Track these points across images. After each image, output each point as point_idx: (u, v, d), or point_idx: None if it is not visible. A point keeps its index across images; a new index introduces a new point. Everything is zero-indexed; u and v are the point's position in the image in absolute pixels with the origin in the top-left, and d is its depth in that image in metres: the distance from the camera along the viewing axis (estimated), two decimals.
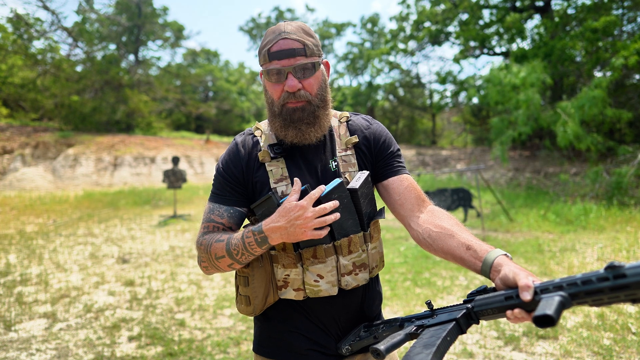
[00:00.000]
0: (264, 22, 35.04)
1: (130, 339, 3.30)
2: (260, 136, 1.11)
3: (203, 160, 20.32)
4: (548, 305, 0.65)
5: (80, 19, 24.46)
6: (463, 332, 0.81)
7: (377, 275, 1.20)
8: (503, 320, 3.49)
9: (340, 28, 34.46)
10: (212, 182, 1.13)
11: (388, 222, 8.88)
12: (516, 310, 0.72)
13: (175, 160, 10.79)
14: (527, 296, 0.69)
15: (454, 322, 0.79)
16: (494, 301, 0.76)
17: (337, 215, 0.94)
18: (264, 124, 1.15)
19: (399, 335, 0.87)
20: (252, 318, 3.44)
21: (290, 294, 1.05)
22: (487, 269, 0.83)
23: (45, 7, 20.11)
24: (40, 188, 15.08)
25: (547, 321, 0.64)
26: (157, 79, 27.10)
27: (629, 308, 3.58)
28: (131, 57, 27.56)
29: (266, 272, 1.05)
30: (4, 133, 17.98)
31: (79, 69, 23.06)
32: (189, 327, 3.51)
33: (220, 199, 1.09)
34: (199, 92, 34.68)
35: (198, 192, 14.77)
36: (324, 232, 0.94)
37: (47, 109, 21.83)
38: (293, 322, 1.09)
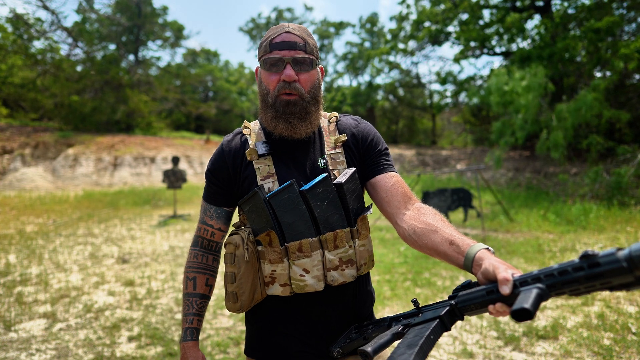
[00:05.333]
0: (264, 22, 35.04)
1: (130, 339, 3.30)
2: (249, 135, 1.13)
3: (203, 160, 20.32)
4: (525, 298, 0.65)
5: (80, 19, 24.47)
6: (447, 329, 0.80)
7: (368, 276, 1.21)
8: (503, 320, 3.49)
9: (338, 27, 34.44)
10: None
11: (388, 222, 8.87)
12: (497, 304, 0.72)
13: (175, 160, 10.78)
14: (506, 290, 0.69)
15: (438, 320, 0.79)
16: (476, 296, 0.76)
17: None
18: (253, 124, 1.17)
19: (385, 335, 0.87)
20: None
21: (277, 290, 1.05)
22: (469, 264, 0.82)
23: (45, 7, 20.10)
24: (40, 188, 15.08)
25: (524, 315, 0.63)
26: (157, 79, 27.08)
27: (629, 308, 3.58)
28: (131, 57, 27.56)
29: (253, 268, 1.05)
30: (3, 133, 17.98)
31: (79, 68, 23.04)
32: None
33: (210, 198, 1.16)
34: (199, 92, 34.68)
35: (198, 192, 14.76)
36: None
37: (47, 109, 21.83)
38: (283, 323, 1.09)
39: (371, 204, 1.13)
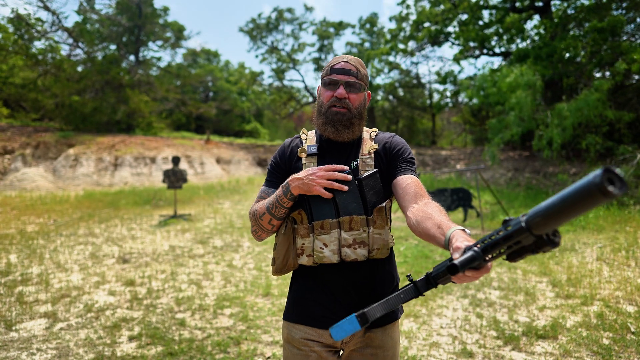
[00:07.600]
0: (264, 22, 35.02)
1: (131, 338, 3.31)
2: (305, 139, 1.45)
3: (203, 160, 20.33)
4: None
5: (81, 19, 24.50)
6: (420, 293, 0.99)
7: (390, 259, 1.41)
8: (502, 319, 3.50)
9: (338, 27, 34.42)
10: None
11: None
12: None
13: (176, 160, 10.79)
14: (456, 255, 0.86)
15: (412, 285, 0.99)
16: (442, 265, 0.94)
17: (344, 187, 1.24)
18: (310, 132, 1.49)
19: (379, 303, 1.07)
20: (252, 316, 3.85)
21: (304, 260, 1.31)
22: (447, 242, 0.98)
23: (46, 8, 20.13)
24: (41, 188, 15.09)
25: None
26: (158, 79, 27.08)
27: (628, 308, 3.59)
28: (132, 57, 27.56)
29: (288, 239, 1.34)
30: (4, 133, 18.00)
31: (79, 69, 23.06)
32: (189, 327, 3.52)
33: (269, 183, 1.46)
34: (199, 92, 34.70)
35: (198, 192, 14.78)
36: (328, 195, 1.23)
37: (47, 109, 21.84)
38: (310, 292, 1.36)
39: (388, 199, 1.38)
